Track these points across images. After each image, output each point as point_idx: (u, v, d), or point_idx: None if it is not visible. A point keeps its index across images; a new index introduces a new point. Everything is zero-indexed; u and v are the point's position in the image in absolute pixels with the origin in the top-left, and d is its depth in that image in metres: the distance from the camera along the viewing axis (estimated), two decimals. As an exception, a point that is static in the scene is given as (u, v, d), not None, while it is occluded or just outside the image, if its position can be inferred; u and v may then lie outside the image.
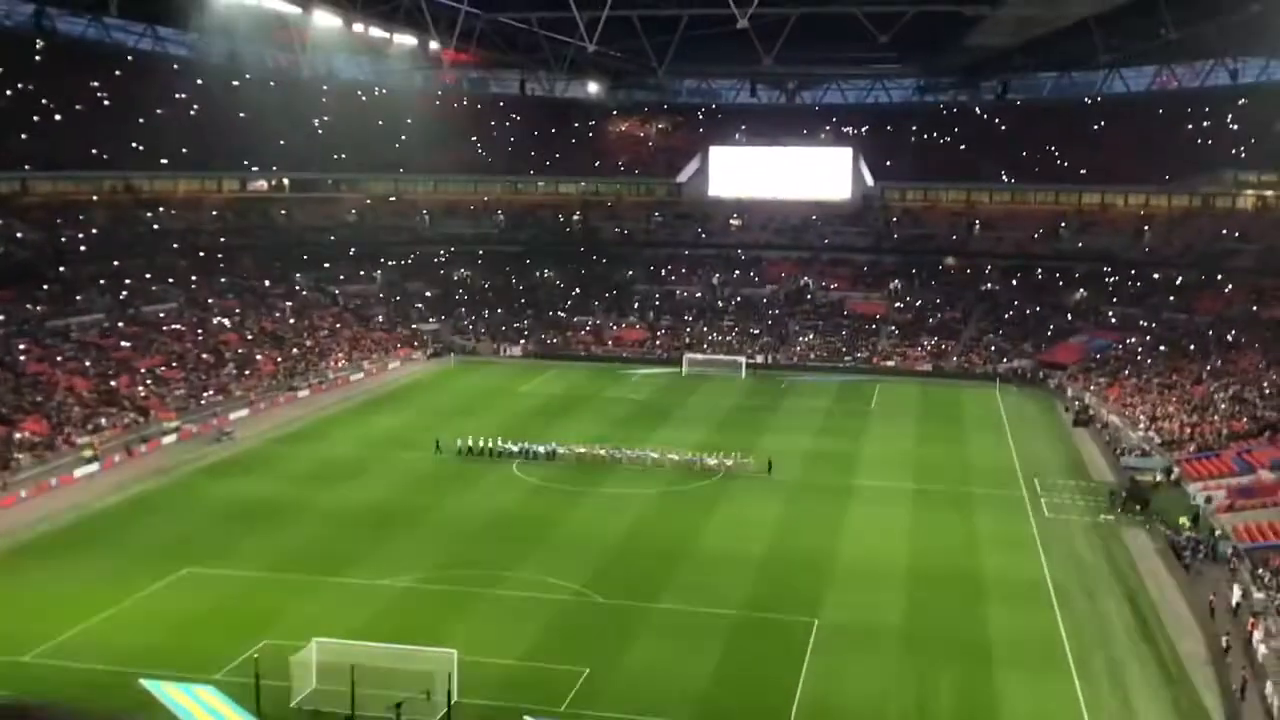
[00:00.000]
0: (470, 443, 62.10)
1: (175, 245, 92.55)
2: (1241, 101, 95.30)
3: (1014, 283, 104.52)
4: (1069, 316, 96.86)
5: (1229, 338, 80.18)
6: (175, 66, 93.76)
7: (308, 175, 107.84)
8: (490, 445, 61.99)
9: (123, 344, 74.89)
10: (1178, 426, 64.76)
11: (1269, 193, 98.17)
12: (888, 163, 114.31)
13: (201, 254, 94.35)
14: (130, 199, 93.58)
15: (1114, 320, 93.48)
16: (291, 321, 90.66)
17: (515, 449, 61.87)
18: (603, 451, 61.34)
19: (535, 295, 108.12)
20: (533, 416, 72.54)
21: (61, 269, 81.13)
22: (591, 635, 38.08)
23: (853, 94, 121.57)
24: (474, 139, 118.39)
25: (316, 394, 78.77)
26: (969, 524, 51.61)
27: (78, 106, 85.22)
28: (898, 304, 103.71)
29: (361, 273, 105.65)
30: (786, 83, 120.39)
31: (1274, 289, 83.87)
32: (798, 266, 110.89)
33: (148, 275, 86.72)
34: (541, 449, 61.60)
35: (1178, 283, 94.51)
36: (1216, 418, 64.21)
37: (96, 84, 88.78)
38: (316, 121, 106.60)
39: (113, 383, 68.59)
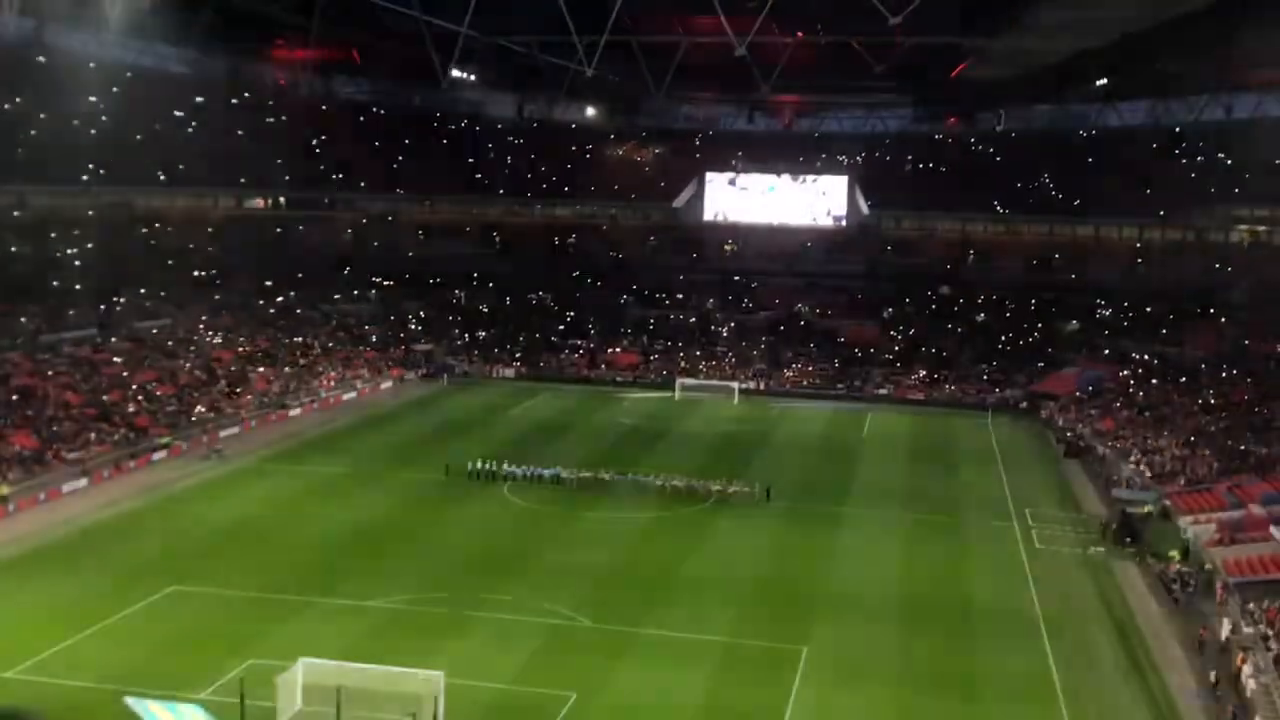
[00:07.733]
0: (480, 465, 61.78)
1: (170, 262, 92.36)
2: (1235, 136, 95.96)
3: (1007, 313, 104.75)
4: (1061, 348, 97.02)
5: (1221, 371, 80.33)
6: (173, 83, 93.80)
7: (304, 194, 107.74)
8: (494, 468, 61.74)
9: (115, 359, 74.74)
10: (1169, 459, 64.84)
11: (1261, 227, 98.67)
12: (883, 191, 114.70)
13: (196, 271, 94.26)
14: (125, 215, 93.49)
15: (1106, 352, 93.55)
16: (284, 340, 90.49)
17: (519, 472, 61.56)
18: (607, 476, 60.88)
19: (529, 317, 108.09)
20: (525, 439, 72.33)
21: (55, 283, 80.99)
22: (580, 659, 37.88)
23: (850, 122, 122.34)
24: (471, 160, 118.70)
25: (308, 413, 78.62)
26: (959, 554, 51.49)
27: (74, 121, 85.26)
28: (891, 332, 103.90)
29: (355, 292, 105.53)
30: (783, 110, 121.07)
31: (1266, 324, 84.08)
32: (792, 293, 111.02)
33: (141, 291, 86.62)
34: (546, 472, 61.32)
35: (1170, 316, 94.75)
36: (1208, 451, 64.27)
37: (94, 99, 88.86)
38: (314, 141, 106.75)
39: (104, 398, 68.38)
